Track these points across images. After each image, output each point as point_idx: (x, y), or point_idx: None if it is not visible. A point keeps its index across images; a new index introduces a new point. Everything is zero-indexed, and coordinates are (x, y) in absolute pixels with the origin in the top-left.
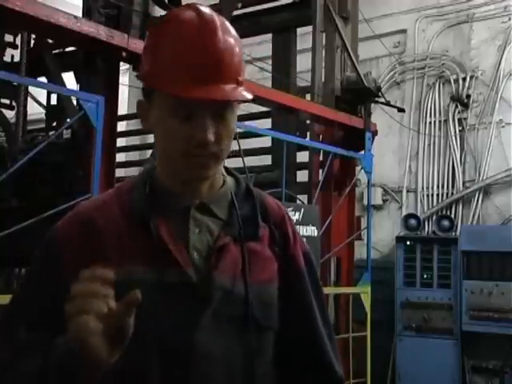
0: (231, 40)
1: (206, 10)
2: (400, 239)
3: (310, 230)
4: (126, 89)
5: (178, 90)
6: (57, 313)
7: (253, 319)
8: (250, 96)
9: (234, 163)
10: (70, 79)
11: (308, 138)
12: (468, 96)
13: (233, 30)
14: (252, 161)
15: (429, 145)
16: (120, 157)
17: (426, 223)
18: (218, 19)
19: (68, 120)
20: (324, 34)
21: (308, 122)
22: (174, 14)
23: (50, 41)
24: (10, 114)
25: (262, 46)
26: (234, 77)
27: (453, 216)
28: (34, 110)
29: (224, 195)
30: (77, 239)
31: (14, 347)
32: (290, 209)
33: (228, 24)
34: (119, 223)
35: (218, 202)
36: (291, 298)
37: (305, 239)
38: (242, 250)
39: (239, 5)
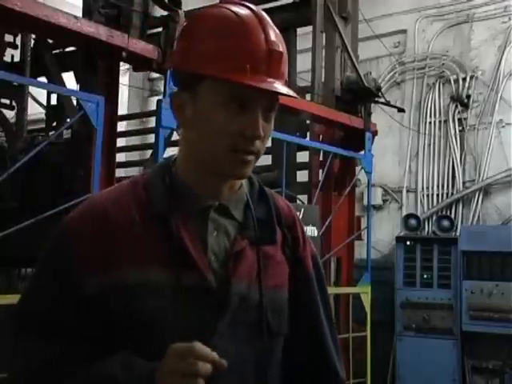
0: (281, 36)
1: (257, 8)
2: (400, 239)
3: (309, 230)
4: (126, 89)
5: (244, 79)
6: (73, 315)
7: (266, 325)
8: (297, 96)
9: None
10: (70, 79)
11: (308, 138)
12: (468, 96)
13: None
14: None
15: (429, 145)
16: (120, 157)
17: (426, 223)
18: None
19: (68, 120)
20: (324, 34)
21: (308, 121)
22: (223, 6)
23: (50, 41)
24: (10, 114)
25: None
26: (285, 75)
27: (453, 216)
28: (34, 110)
29: (241, 197)
30: (91, 236)
31: (43, 364)
32: None
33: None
34: (135, 218)
35: (236, 203)
36: (299, 302)
37: None
38: (258, 255)
39: None
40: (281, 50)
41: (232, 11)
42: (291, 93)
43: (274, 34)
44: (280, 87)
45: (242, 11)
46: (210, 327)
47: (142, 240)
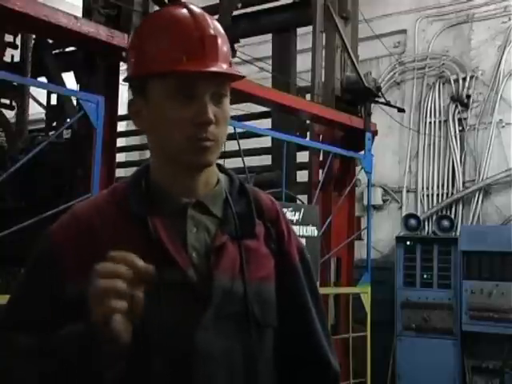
0: (221, 28)
1: (194, 6)
2: (400, 239)
3: (309, 230)
4: (126, 89)
5: (179, 66)
6: (56, 318)
7: (252, 318)
8: (242, 74)
9: (234, 163)
10: (70, 79)
11: (308, 138)
12: (468, 96)
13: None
14: (252, 161)
15: (429, 145)
16: (120, 157)
17: (426, 223)
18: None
19: (68, 120)
20: (324, 34)
21: (308, 121)
22: (162, 9)
23: (50, 41)
24: (10, 114)
25: (262, 46)
26: (227, 58)
27: (453, 216)
28: (34, 110)
29: (219, 193)
30: (73, 241)
31: (12, 354)
32: (290, 209)
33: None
34: (116, 223)
35: (214, 200)
36: (287, 295)
37: (305, 239)
38: (240, 248)
39: (239, 5)
40: (213, 33)
41: (169, 12)
42: (231, 70)
43: (208, 24)
44: (218, 68)
45: (179, 11)
46: (194, 321)
47: (123, 242)
